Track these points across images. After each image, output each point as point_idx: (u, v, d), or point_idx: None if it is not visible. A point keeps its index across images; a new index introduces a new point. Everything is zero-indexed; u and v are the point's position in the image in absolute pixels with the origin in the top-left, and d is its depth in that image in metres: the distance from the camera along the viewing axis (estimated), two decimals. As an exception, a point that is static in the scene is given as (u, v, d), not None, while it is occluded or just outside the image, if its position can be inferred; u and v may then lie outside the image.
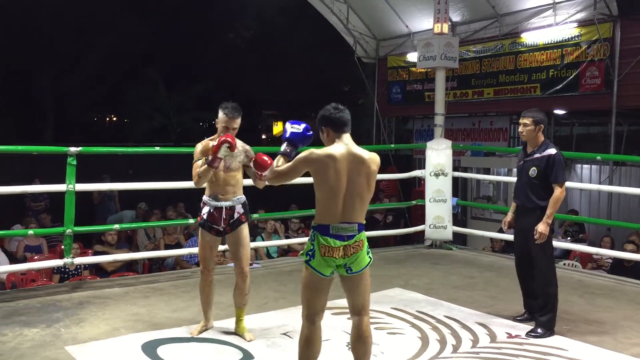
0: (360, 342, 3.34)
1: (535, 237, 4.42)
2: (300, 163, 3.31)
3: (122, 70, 22.75)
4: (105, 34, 20.87)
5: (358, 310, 3.36)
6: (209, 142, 4.25)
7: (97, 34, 20.80)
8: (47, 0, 19.16)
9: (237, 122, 4.22)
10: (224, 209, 4.21)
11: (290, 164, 3.38)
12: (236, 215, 4.25)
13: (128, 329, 4.40)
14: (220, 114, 4.22)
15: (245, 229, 4.30)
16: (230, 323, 4.56)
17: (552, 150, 4.48)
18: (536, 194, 4.49)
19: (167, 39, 23.16)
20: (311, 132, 3.57)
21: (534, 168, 4.49)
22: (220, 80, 24.03)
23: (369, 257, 3.32)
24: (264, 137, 33.55)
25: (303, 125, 3.57)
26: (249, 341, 4.19)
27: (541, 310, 4.49)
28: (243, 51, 24.01)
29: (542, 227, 4.38)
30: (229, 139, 4.00)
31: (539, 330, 4.42)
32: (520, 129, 4.59)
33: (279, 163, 3.42)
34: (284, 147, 3.51)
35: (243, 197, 4.32)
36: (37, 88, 21.77)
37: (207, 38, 23.38)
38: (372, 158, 3.33)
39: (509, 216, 4.82)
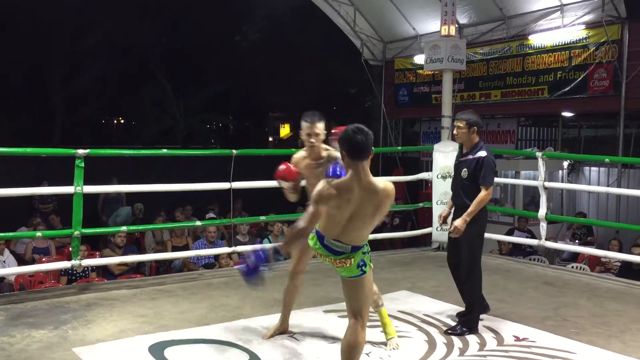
0: (352, 348, 3.30)
1: (450, 229, 4.56)
2: (319, 204, 3.17)
3: (130, 72, 22.84)
4: (114, 36, 20.94)
5: (351, 313, 3.37)
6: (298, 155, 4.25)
7: (106, 36, 20.87)
8: (56, 1, 19.24)
9: (318, 127, 4.08)
10: None
11: (308, 211, 3.21)
12: None
13: (135, 330, 4.41)
14: (302, 124, 4.15)
15: None
16: (236, 325, 4.58)
17: (483, 153, 4.55)
18: (467, 194, 4.57)
19: (175, 42, 23.24)
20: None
21: (465, 169, 4.58)
22: (227, 82, 24.08)
23: (361, 270, 3.29)
24: (270, 139, 33.59)
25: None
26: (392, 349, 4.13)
27: (466, 309, 4.60)
28: (251, 54, 24.04)
29: (459, 222, 4.49)
30: (278, 175, 4.08)
31: (458, 328, 4.51)
32: (455, 131, 4.65)
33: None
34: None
35: None
36: (45, 90, 21.89)
37: (215, 40, 23.42)
38: (386, 190, 3.16)
39: (445, 211, 4.91)
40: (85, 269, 6.72)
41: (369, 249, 3.38)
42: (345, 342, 3.33)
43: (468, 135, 4.59)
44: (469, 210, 4.47)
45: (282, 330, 4.40)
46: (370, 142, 3.13)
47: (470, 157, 4.56)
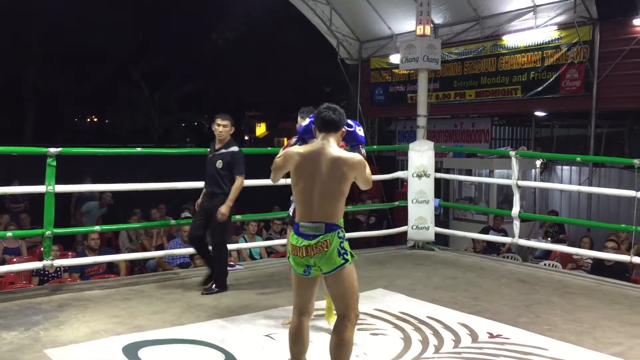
0: (336, 346, 3.29)
1: (218, 216, 5.29)
2: (280, 158, 3.46)
3: (105, 71, 22.56)
4: (90, 34, 20.65)
5: (339, 312, 3.34)
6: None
7: (81, 33, 20.57)
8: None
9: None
10: None
11: (276, 158, 3.50)
12: None
13: (109, 331, 4.36)
14: (299, 118, 4.57)
15: None
16: (212, 325, 4.55)
17: (236, 148, 5.44)
18: (221, 182, 5.36)
19: (151, 40, 23.03)
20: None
21: (220, 161, 5.35)
22: (203, 81, 23.94)
23: (343, 258, 3.24)
24: (246, 138, 33.47)
25: (308, 120, 3.83)
26: None
27: (217, 273, 5.46)
28: (227, 53, 23.92)
29: (224, 209, 5.29)
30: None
31: (214, 287, 5.42)
32: (221, 129, 5.37)
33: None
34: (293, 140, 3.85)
35: None
36: (18, 88, 21.51)
37: (191, 39, 23.26)
38: (345, 159, 3.30)
39: (200, 200, 5.60)
40: (58, 269, 6.60)
41: (345, 235, 3.32)
42: (332, 343, 3.31)
43: (229, 133, 5.43)
44: (231, 197, 5.33)
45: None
46: (338, 118, 3.42)
47: (224, 151, 5.38)
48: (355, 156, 3.36)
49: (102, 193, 10.47)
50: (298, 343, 3.38)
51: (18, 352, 3.94)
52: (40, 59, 20.99)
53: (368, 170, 3.43)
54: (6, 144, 6.45)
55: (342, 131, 3.49)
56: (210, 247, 5.52)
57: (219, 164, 5.34)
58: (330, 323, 4.23)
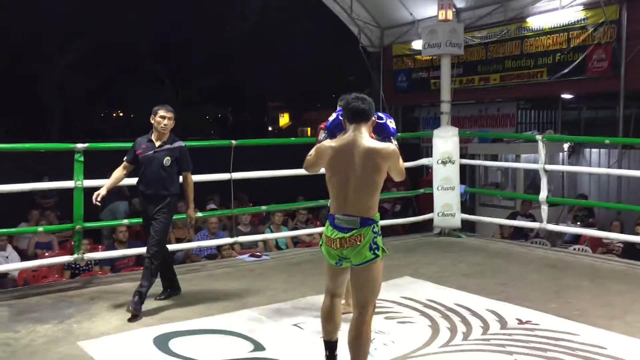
0: (354, 340, 3.28)
1: (191, 223, 5.18)
2: (312, 155, 3.44)
3: (128, 66, 22.78)
4: (112, 30, 20.87)
5: (357, 305, 3.31)
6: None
7: (104, 30, 20.79)
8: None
9: None
10: None
11: (308, 155, 3.49)
12: None
13: (139, 323, 4.43)
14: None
15: None
16: (240, 315, 4.59)
17: (181, 142, 4.92)
18: (168, 182, 4.79)
19: (172, 33, 23.15)
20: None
21: (168, 158, 4.77)
22: (225, 73, 24.02)
23: (374, 253, 3.23)
24: (270, 129, 33.56)
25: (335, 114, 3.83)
26: None
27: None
28: (247, 44, 23.95)
29: (192, 213, 5.06)
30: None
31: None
32: (166, 122, 4.76)
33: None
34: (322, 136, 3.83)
35: None
36: (43, 86, 21.85)
37: (212, 31, 23.32)
38: (379, 149, 3.26)
39: (100, 191, 4.79)
40: (89, 262, 6.71)
41: (380, 230, 3.32)
42: (350, 336, 3.30)
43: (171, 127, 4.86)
44: (191, 197, 4.97)
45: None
46: (368, 107, 3.37)
47: (169, 146, 4.80)
48: (389, 146, 3.33)
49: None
50: (330, 322, 3.43)
51: (52, 344, 4.03)
52: (64, 56, 21.26)
53: (401, 161, 3.40)
54: (33, 140, 6.56)
55: (373, 121, 3.45)
56: (148, 253, 4.78)
57: (167, 161, 4.74)
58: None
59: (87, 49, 21.17)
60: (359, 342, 3.27)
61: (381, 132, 3.72)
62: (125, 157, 4.87)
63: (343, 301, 4.30)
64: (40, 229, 6.63)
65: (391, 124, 3.74)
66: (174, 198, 4.83)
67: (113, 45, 21.32)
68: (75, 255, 5.57)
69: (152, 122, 4.78)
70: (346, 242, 3.21)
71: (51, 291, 5.30)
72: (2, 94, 20.05)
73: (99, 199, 4.69)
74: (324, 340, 3.49)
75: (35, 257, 7.58)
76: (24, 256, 7.76)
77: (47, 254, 7.52)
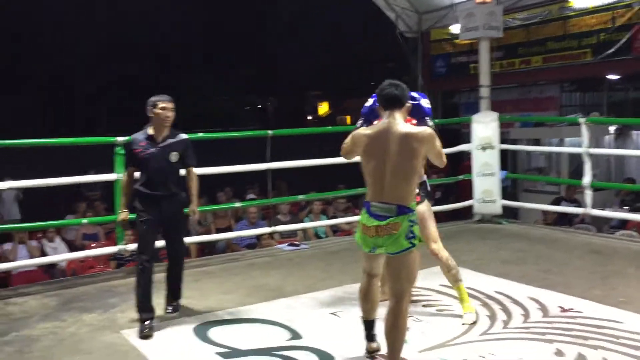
0: (391, 329, 3.27)
1: (194, 217, 4.53)
2: (347, 143, 3.47)
3: (170, 57, 23.12)
4: (150, 23, 21.22)
5: (393, 294, 3.30)
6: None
7: (143, 23, 21.15)
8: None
9: None
10: None
11: (345, 142, 3.50)
12: None
13: (180, 312, 4.51)
14: None
15: (424, 207, 4.14)
16: (279, 304, 4.63)
17: (185, 135, 4.39)
18: (178, 179, 4.36)
19: (212, 25, 23.38)
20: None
21: (176, 153, 4.28)
22: (264, 63, 24.14)
23: (410, 242, 3.20)
24: (309, 118, 33.58)
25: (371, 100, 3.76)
26: (462, 325, 4.09)
27: (179, 286, 4.51)
28: (285, 35, 24.00)
29: (196, 209, 4.42)
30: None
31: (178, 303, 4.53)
32: (169, 113, 4.23)
33: None
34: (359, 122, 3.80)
35: (424, 177, 4.21)
36: (88, 79, 22.40)
37: (251, 22, 23.46)
38: (414, 134, 3.22)
39: (124, 215, 4.37)
40: (133, 253, 6.85)
41: (417, 218, 3.30)
42: (387, 326, 3.29)
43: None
44: (196, 192, 4.43)
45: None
46: (401, 93, 3.34)
47: (173, 140, 4.29)
48: (425, 129, 3.29)
49: None
50: (368, 300, 3.48)
51: (97, 332, 4.16)
52: (104, 50, 21.74)
53: (439, 143, 3.36)
54: (85, 134, 6.70)
55: (407, 106, 3.42)
56: (174, 259, 4.49)
57: (174, 156, 4.27)
58: (466, 315, 4.16)
59: (129, 39, 21.52)
60: (395, 331, 3.26)
61: (417, 114, 3.65)
62: (125, 163, 4.47)
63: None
64: (84, 220, 6.82)
65: (426, 103, 3.67)
66: (184, 196, 4.40)
67: (153, 38, 21.69)
68: (119, 246, 5.71)
69: (151, 115, 4.24)
70: (382, 230, 3.19)
71: (96, 281, 5.45)
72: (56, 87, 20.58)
73: (125, 219, 4.38)
74: (363, 319, 3.53)
75: (82, 248, 7.81)
76: (71, 247, 8.01)
77: (93, 245, 7.74)
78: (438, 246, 4.21)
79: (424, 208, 4.17)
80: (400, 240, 3.19)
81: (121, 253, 6.23)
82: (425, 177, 4.25)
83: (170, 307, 4.47)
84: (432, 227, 4.20)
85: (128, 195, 4.34)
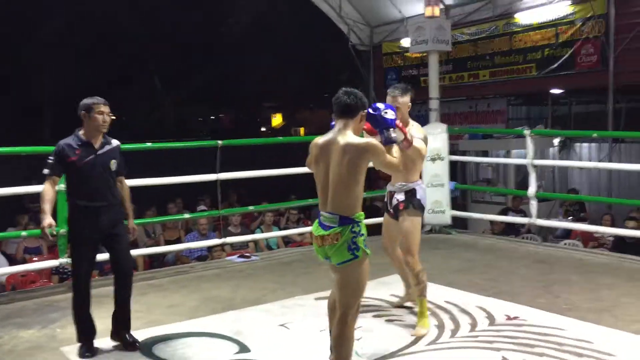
0: (336, 339, 3.26)
1: (133, 236, 4.27)
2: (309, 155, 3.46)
3: (120, 66, 22.70)
4: (103, 32, 20.80)
5: (340, 305, 3.25)
6: None
7: (94, 32, 20.71)
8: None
9: (400, 100, 4.13)
10: (387, 193, 4.36)
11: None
12: (394, 202, 4.26)
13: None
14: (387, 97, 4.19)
15: (407, 218, 4.17)
16: (227, 317, 4.55)
17: (116, 140, 4.09)
18: (116, 188, 4.05)
19: (163, 35, 23.09)
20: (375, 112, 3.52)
21: (114, 161, 4.01)
22: (217, 74, 23.97)
23: (352, 254, 3.15)
24: (263, 129, 33.48)
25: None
26: (411, 335, 4.08)
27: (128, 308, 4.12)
28: (238, 45, 23.92)
29: (134, 225, 4.25)
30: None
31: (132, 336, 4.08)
32: (107, 118, 3.94)
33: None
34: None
35: (412, 185, 4.21)
36: (35, 88, 21.76)
37: (203, 32, 23.27)
38: (354, 145, 3.16)
39: (50, 220, 3.85)
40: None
41: (363, 231, 3.22)
42: (334, 336, 3.28)
43: None
44: (130, 205, 4.19)
45: (407, 299, 4.63)
46: (353, 102, 3.25)
47: (109, 147, 4.00)
48: (367, 141, 3.22)
49: None
50: (333, 315, 3.43)
51: (35, 349, 3.99)
52: (52, 57, 21.16)
53: (392, 154, 3.36)
54: (27, 144, 6.45)
55: (362, 115, 3.32)
56: (122, 279, 4.13)
57: (114, 164, 3.99)
58: (419, 327, 4.16)
59: (78, 48, 21.06)
60: (340, 341, 3.24)
61: (377, 124, 3.56)
62: (48, 171, 3.92)
63: (402, 293, 4.63)
64: (23, 233, 6.56)
65: (388, 114, 3.53)
66: (121, 206, 4.13)
67: (104, 46, 21.25)
68: (61, 260, 5.51)
69: (86, 119, 3.89)
70: (326, 240, 3.19)
71: (36, 296, 5.25)
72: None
73: (53, 231, 3.94)
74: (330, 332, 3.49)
75: (24, 262, 7.52)
76: (12, 261, 7.70)
77: (35, 258, 7.47)
78: (413, 260, 4.21)
79: (408, 222, 4.17)
80: (342, 251, 3.16)
81: (63, 267, 6.02)
82: (418, 185, 4.22)
83: (126, 340, 4.01)
84: (413, 240, 4.20)
85: (50, 203, 3.91)
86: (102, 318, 4.54)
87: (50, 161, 3.93)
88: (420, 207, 4.25)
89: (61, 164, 3.90)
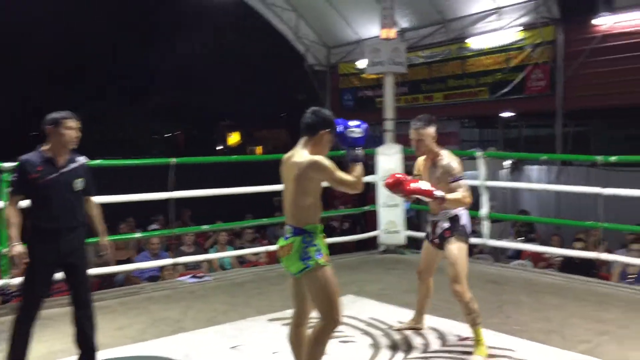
0: (308, 343, 3.34)
1: (107, 252, 4.03)
2: None
3: (75, 84, 22.21)
4: (57, 48, 20.33)
5: (319, 317, 3.34)
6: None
7: (50, 47, 20.24)
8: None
9: (418, 133, 4.22)
10: (430, 223, 4.38)
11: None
12: (438, 230, 4.25)
13: (67, 351, 4.21)
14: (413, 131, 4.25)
15: (454, 245, 4.14)
16: (176, 339, 4.43)
17: (84, 157, 3.88)
18: (80, 209, 3.78)
19: (121, 53, 22.76)
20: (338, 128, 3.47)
21: (81, 179, 3.76)
22: (173, 92, 23.73)
23: (305, 263, 3.22)
24: (219, 147, 33.22)
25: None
26: None
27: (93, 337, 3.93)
28: (196, 65, 23.75)
29: (106, 241, 3.98)
30: (388, 185, 4.09)
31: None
32: (76, 134, 3.74)
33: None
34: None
35: (455, 211, 4.18)
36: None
37: (161, 51, 23.04)
38: (298, 162, 3.24)
39: (19, 247, 3.63)
40: (19, 287, 6.39)
41: (316, 242, 3.25)
42: (308, 337, 3.37)
43: None
44: (104, 228, 3.96)
45: (415, 326, 4.59)
46: (313, 121, 3.34)
47: (75, 165, 3.76)
48: (309, 158, 3.22)
49: None
50: (293, 350, 3.48)
51: (-31, 375, 3.79)
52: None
53: (356, 172, 3.33)
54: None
55: (321, 134, 3.33)
56: (83, 309, 3.89)
57: (79, 183, 3.74)
58: (476, 357, 4.03)
59: (30, 66, 20.53)
60: (312, 345, 3.29)
61: (343, 143, 3.52)
62: (11, 190, 3.74)
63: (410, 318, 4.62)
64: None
65: (353, 133, 3.45)
66: (86, 229, 3.83)
67: (59, 63, 20.78)
68: (4, 280, 5.29)
69: (52, 134, 3.64)
70: (282, 251, 3.34)
71: (-25, 319, 5.00)
72: None
73: (22, 252, 3.63)
74: None
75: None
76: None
77: (-24, 279, 7.14)
78: (461, 288, 4.14)
79: (455, 249, 4.14)
80: (295, 261, 3.26)
81: (6, 287, 5.78)
82: (461, 213, 4.20)
83: None
84: (461, 267, 4.14)
85: (16, 227, 3.64)
86: (46, 341, 4.38)
87: (14, 179, 3.70)
88: (465, 234, 4.22)
89: (23, 182, 3.65)
